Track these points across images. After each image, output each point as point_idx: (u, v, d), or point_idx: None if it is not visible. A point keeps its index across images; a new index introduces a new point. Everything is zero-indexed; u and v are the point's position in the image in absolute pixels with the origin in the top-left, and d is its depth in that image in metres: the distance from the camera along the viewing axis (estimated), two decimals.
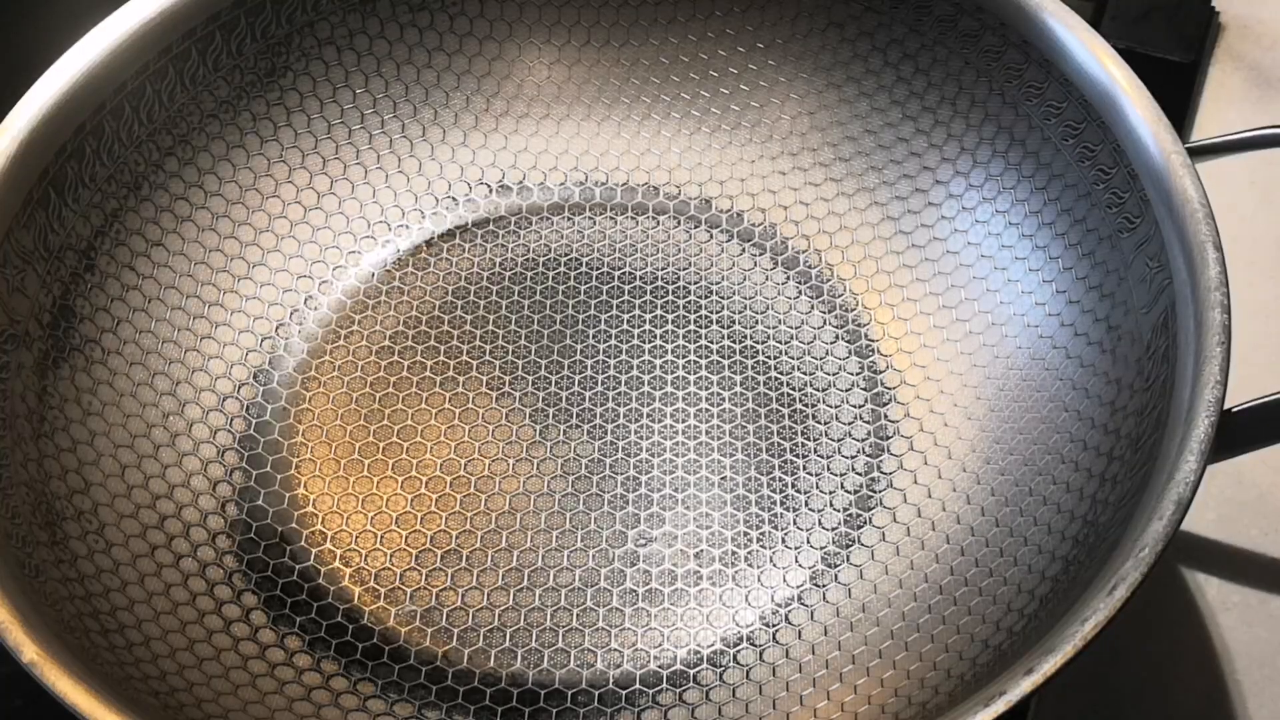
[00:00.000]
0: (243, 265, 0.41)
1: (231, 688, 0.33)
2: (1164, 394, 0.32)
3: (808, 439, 0.39)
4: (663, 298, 0.42)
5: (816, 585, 0.36)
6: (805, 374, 0.40)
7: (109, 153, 0.38)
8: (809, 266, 0.43)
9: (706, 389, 0.40)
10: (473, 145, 0.45)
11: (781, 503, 0.38)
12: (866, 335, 0.41)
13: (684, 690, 0.35)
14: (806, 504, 0.38)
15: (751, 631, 0.36)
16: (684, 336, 0.41)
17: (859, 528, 0.37)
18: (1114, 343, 0.35)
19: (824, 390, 0.40)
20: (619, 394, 0.40)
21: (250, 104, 0.41)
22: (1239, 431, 0.31)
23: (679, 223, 0.44)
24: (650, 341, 0.41)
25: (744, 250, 0.43)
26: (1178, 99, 0.48)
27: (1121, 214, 0.36)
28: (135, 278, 0.39)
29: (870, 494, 0.38)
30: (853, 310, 0.42)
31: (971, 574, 0.35)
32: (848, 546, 0.37)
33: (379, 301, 0.42)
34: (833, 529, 0.37)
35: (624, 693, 0.35)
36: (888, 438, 0.39)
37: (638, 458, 0.39)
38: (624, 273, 0.43)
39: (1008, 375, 0.39)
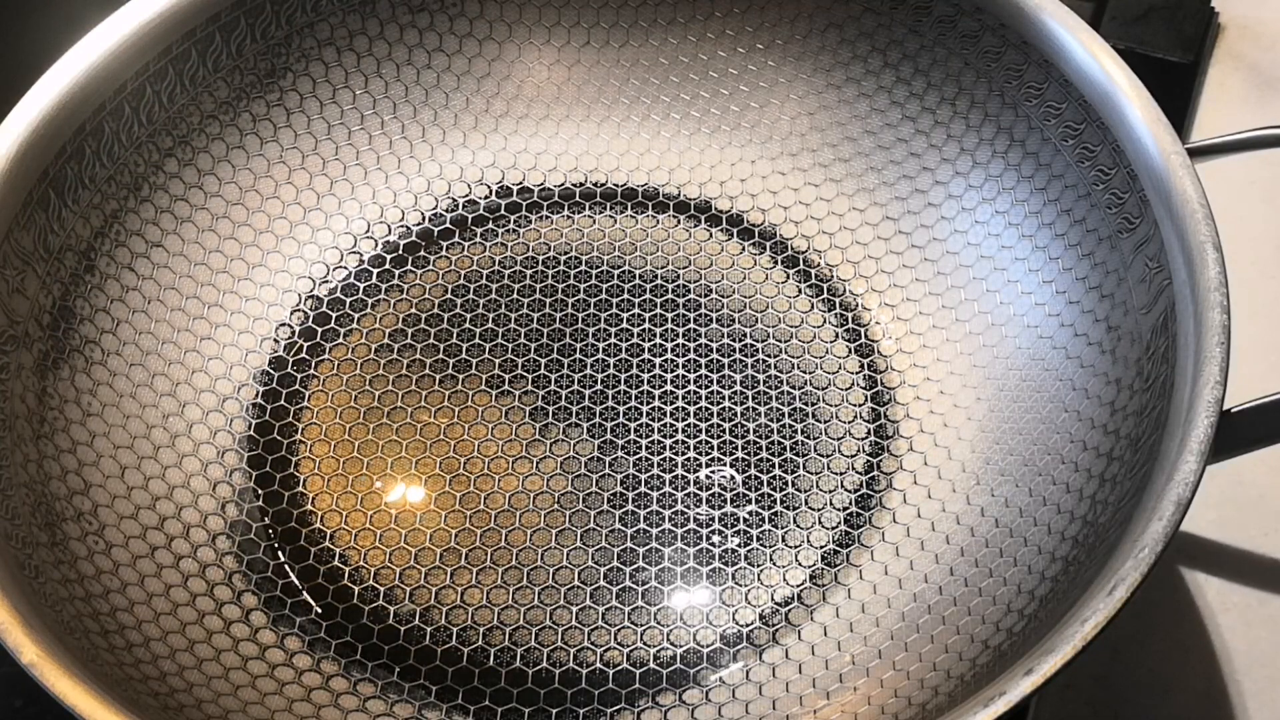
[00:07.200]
0: (243, 266, 0.41)
1: (231, 688, 0.33)
2: (1164, 394, 0.32)
3: (808, 438, 0.39)
4: (662, 297, 0.42)
5: (816, 585, 0.37)
6: (805, 372, 0.41)
7: (109, 154, 0.38)
8: (809, 266, 0.43)
9: (706, 388, 0.40)
10: (473, 145, 0.45)
11: (781, 502, 0.38)
12: (867, 335, 0.41)
13: (684, 690, 0.35)
14: (806, 503, 0.38)
15: (751, 631, 0.36)
16: (684, 335, 0.41)
17: (859, 528, 0.37)
18: (1114, 343, 0.35)
19: (824, 389, 0.40)
20: (618, 392, 0.40)
21: (250, 105, 0.41)
22: (1239, 431, 0.31)
23: (679, 222, 0.44)
24: (650, 340, 0.41)
25: (744, 250, 0.43)
26: (1178, 99, 0.48)
27: (1121, 214, 0.36)
28: (135, 279, 0.39)
29: (870, 494, 0.38)
30: (853, 310, 0.42)
31: (971, 574, 0.35)
32: (847, 546, 0.37)
33: (379, 301, 0.42)
34: (833, 528, 0.38)
35: (624, 692, 0.35)
36: (888, 438, 0.39)
37: (637, 456, 0.39)
38: (624, 271, 0.43)
39: (1008, 375, 0.39)
